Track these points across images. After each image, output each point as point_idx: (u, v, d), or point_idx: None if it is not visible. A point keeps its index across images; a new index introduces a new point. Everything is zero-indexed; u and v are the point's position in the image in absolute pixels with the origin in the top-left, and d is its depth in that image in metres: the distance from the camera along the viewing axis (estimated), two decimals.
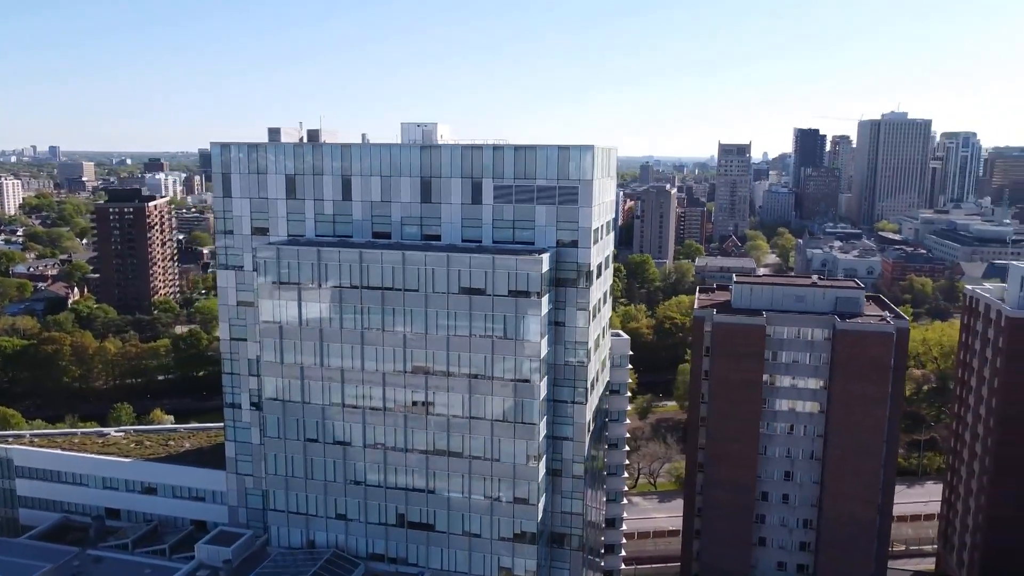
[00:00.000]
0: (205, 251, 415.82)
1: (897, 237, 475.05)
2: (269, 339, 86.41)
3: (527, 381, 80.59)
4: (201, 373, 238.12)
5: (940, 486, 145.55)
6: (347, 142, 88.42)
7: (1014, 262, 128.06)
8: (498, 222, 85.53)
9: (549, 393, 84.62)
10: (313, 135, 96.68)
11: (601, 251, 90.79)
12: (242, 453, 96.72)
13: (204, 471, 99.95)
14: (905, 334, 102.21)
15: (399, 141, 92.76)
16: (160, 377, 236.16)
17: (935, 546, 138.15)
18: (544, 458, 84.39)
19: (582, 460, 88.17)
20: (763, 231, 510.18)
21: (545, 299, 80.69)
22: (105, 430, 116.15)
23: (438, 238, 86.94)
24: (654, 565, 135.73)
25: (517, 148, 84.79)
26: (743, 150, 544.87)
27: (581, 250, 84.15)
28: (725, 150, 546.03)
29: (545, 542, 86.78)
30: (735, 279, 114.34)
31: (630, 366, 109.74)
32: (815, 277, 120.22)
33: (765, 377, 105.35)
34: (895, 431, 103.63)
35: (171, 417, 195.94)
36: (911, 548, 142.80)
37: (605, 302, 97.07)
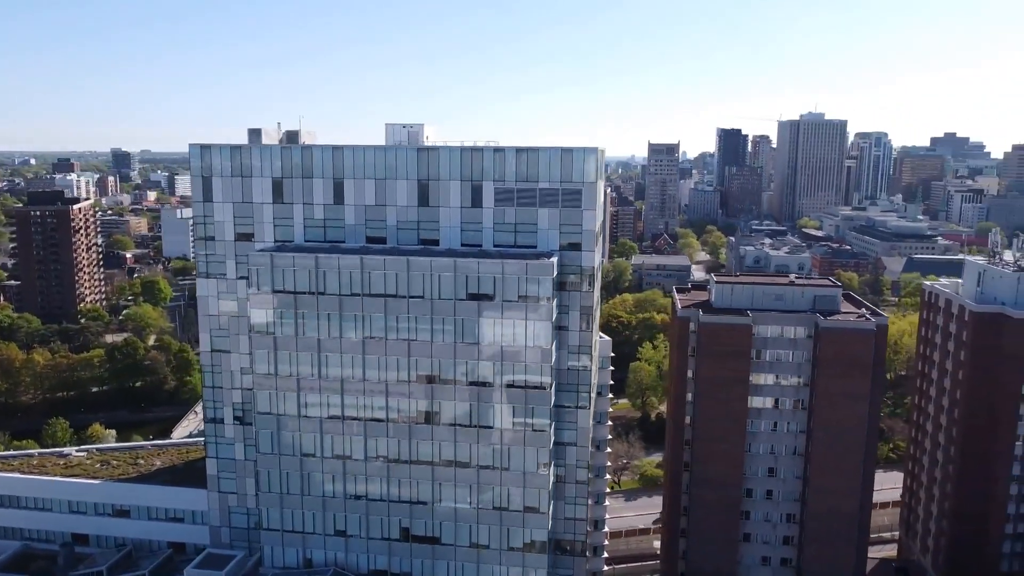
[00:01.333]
0: (128, 255, 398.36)
1: (819, 233, 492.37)
2: (262, 350, 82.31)
3: (539, 388, 79.12)
4: (138, 384, 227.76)
5: (892, 474, 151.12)
6: (339, 144, 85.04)
7: (969, 258, 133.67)
8: (499, 226, 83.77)
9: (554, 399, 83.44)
10: (292, 136, 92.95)
11: (599, 253, 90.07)
12: (225, 470, 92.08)
13: (182, 490, 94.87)
14: (884, 331, 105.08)
15: (384, 143, 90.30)
16: (94, 389, 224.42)
17: (896, 533, 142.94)
18: (552, 465, 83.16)
19: (585, 465, 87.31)
20: (692, 229, 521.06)
21: (554, 304, 79.38)
22: (66, 450, 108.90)
23: (436, 243, 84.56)
24: (630, 564, 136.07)
25: (519, 150, 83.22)
26: (672, 149, 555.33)
27: (585, 253, 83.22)
28: (655, 149, 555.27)
29: (551, 550, 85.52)
30: (715, 279, 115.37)
31: None
32: (792, 276, 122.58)
33: (750, 376, 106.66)
34: (874, 425, 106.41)
35: (112, 432, 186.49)
36: (872, 536, 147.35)
37: (597, 305, 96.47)
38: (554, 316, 79.43)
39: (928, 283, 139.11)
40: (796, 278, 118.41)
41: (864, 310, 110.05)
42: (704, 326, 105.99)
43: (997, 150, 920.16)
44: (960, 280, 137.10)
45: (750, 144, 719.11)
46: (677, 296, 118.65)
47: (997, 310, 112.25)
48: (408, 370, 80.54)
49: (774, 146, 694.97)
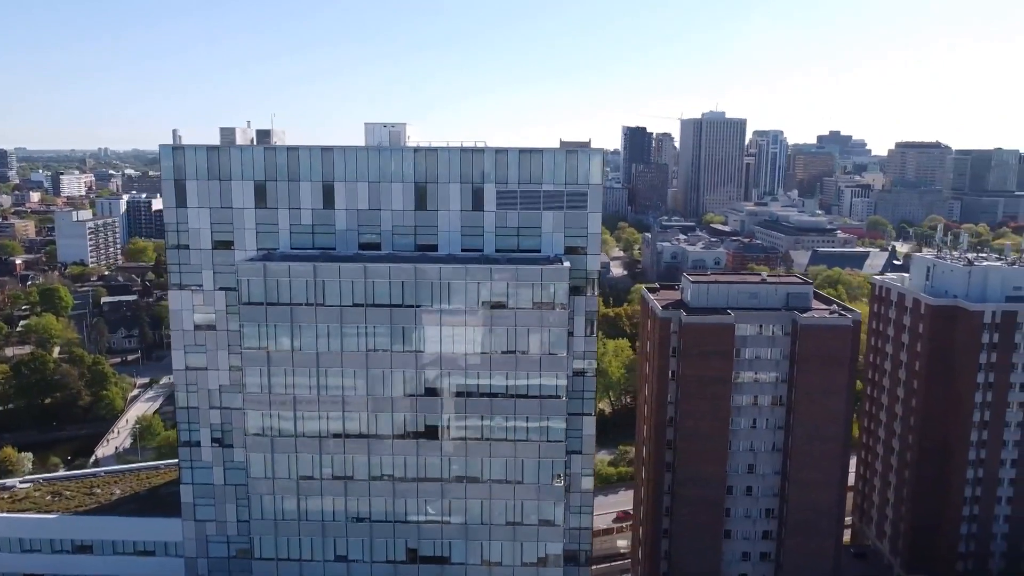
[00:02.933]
0: (18, 261, 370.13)
1: (726, 229, 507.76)
2: (255, 367, 76.09)
3: (555, 397, 76.29)
4: (47, 400, 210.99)
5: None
6: (328, 144, 79.59)
7: (915, 254, 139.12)
8: (501, 229, 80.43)
9: None
10: (263, 136, 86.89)
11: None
12: (202, 496, 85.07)
13: (152, 521, 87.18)
14: (858, 326, 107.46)
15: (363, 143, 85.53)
16: None
17: (850, 518, 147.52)
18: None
19: (590, 473, 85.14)
20: (604, 226, 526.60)
21: (569, 310, 76.75)
22: (8, 482, 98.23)
23: (434, 248, 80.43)
24: (600, 565, 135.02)
25: (522, 151, 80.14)
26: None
27: (590, 257, 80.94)
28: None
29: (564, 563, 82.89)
30: (690, 279, 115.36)
31: None
32: (764, 274, 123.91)
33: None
34: (849, 418, 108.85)
35: (29, 455, 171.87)
36: None
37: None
38: (569, 323, 76.84)
39: (878, 278, 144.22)
40: (768, 276, 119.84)
41: (835, 306, 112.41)
42: (688, 326, 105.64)
43: (876, 147, 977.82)
44: (906, 275, 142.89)
45: (654, 142, 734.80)
46: (652, 296, 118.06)
47: (952, 303, 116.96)
48: (415, 383, 76.14)
49: (677, 144, 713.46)
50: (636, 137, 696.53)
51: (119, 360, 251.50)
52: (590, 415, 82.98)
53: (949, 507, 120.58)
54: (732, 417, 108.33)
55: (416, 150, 79.51)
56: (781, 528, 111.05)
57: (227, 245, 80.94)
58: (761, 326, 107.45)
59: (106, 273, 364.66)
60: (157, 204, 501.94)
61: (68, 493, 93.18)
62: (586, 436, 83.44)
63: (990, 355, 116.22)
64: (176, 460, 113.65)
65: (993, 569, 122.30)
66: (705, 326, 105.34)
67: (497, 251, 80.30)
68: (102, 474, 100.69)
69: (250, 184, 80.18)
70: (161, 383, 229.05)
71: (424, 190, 79.74)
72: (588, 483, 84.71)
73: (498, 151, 79.87)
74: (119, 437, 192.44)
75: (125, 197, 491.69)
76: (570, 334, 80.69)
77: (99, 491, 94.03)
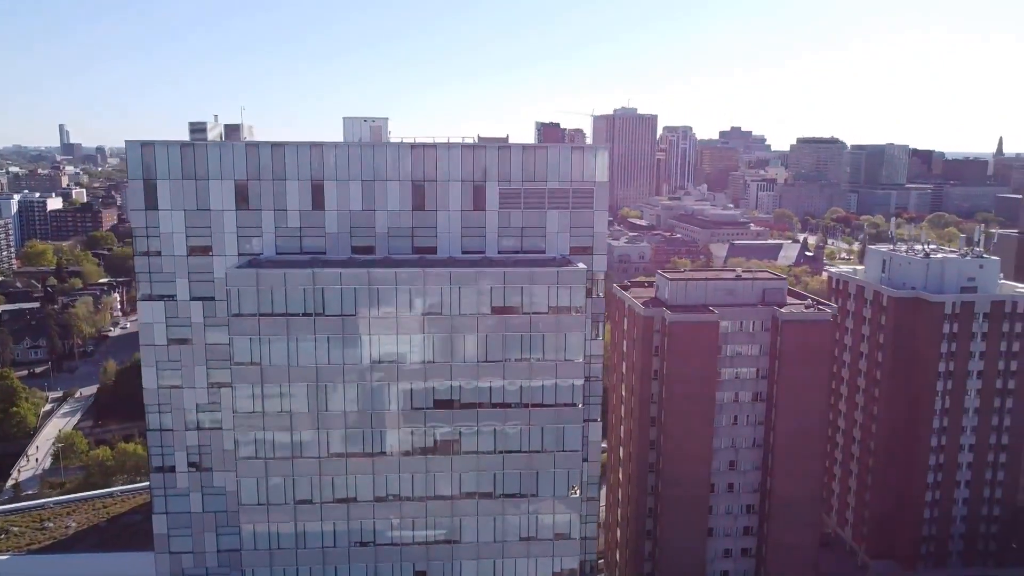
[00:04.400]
0: None
1: (643, 223, 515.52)
2: (245, 385, 69.12)
3: (572, 405, 72.45)
4: None
5: None
6: (317, 140, 73.22)
7: (871, 247, 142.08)
8: (504, 230, 76.08)
9: None
10: (232, 131, 79.77)
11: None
12: (177, 526, 77.26)
13: (119, 556, 78.99)
14: (836, 320, 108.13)
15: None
16: None
17: None
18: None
19: (596, 481, 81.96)
20: None
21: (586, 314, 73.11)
22: None
23: (433, 251, 75.30)
24: None
25: (525, 148, 76.09)
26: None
27: (596, 257, 77.52)
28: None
29: None
30: (668, 276, 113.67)
31: None
32: (739, 270, 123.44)
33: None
34: (828, 410, 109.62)
35: None
36: None
37: None
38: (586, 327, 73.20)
39: (835, 270, 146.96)
40: (743, 272, 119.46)
41: (809, 300, 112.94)
42: (674, 325, 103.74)
43: (775, 143, 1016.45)
44: (859, 267, 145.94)
45: (567, 138, 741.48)
46: (627, 295, 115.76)
47: (914, 295, 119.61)
48: (424, 396, 70.88)
49: (589, 140, 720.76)
50: (550, 133, 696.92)
51: (26, 372, 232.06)
52: (596, 421, 79.63)
53: (912, 493, 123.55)
54: (715, 414, 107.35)
55: (413, 146, 74.12)
56: (762, 523, 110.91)
57: (204, 251, 73.59)
58: (742, 322, 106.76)
59: (1, 279, 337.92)
60: (54, 204, 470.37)
61: (16, 529, 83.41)
62: (592, 443, 79.99)
63: (951, 344, 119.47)
64: (133, 486, 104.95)
65: (953, 552, 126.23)
66: (690, 324, 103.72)
67: (500, 252, 75.89)
68: (51, 505, 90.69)
69: (230, 183, 73.10)
70: (76, 396, 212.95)
71: (422, 189, 74.48)
72: (594, 491, 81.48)
73: (500, 147, 75.53)
74: (39, 455, 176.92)
75: (16, 197, 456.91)
76: None
77: (51, 524, 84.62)
